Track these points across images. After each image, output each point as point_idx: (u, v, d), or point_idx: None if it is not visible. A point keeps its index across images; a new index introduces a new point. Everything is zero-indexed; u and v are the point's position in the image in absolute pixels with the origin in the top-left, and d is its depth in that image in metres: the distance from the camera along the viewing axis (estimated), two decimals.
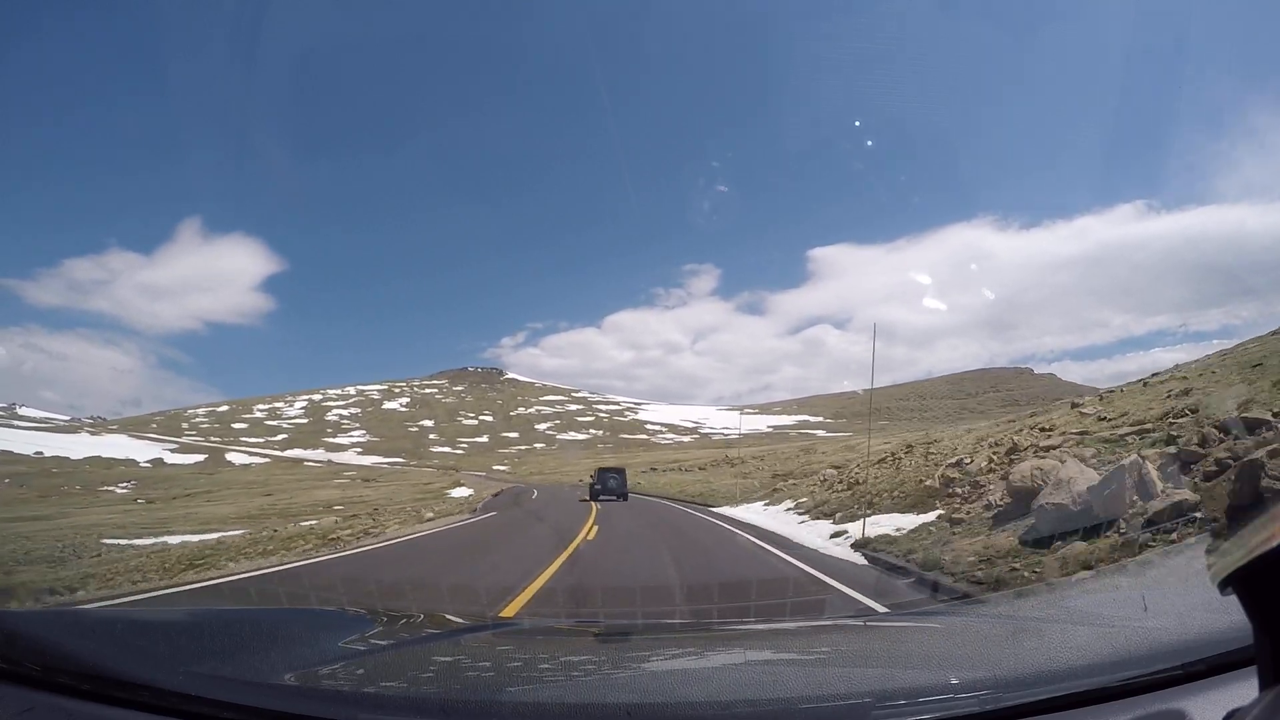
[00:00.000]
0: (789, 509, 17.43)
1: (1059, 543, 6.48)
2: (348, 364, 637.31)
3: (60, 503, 42.53)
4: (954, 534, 8.64)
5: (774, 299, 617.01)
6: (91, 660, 1.20)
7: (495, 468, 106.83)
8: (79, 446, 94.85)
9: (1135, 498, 6.47)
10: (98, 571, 11.47)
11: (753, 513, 18.69)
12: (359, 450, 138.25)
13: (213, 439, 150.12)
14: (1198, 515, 5.85)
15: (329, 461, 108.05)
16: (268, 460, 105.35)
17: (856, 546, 9.62)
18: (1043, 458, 9.72)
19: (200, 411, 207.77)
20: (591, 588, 6.95)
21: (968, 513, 9.39)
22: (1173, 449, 7.73)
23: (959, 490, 11.02)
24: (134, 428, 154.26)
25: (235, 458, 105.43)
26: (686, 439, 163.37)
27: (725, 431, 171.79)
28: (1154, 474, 6.66)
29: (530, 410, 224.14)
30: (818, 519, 14.16)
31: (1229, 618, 1.14)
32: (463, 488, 39.44)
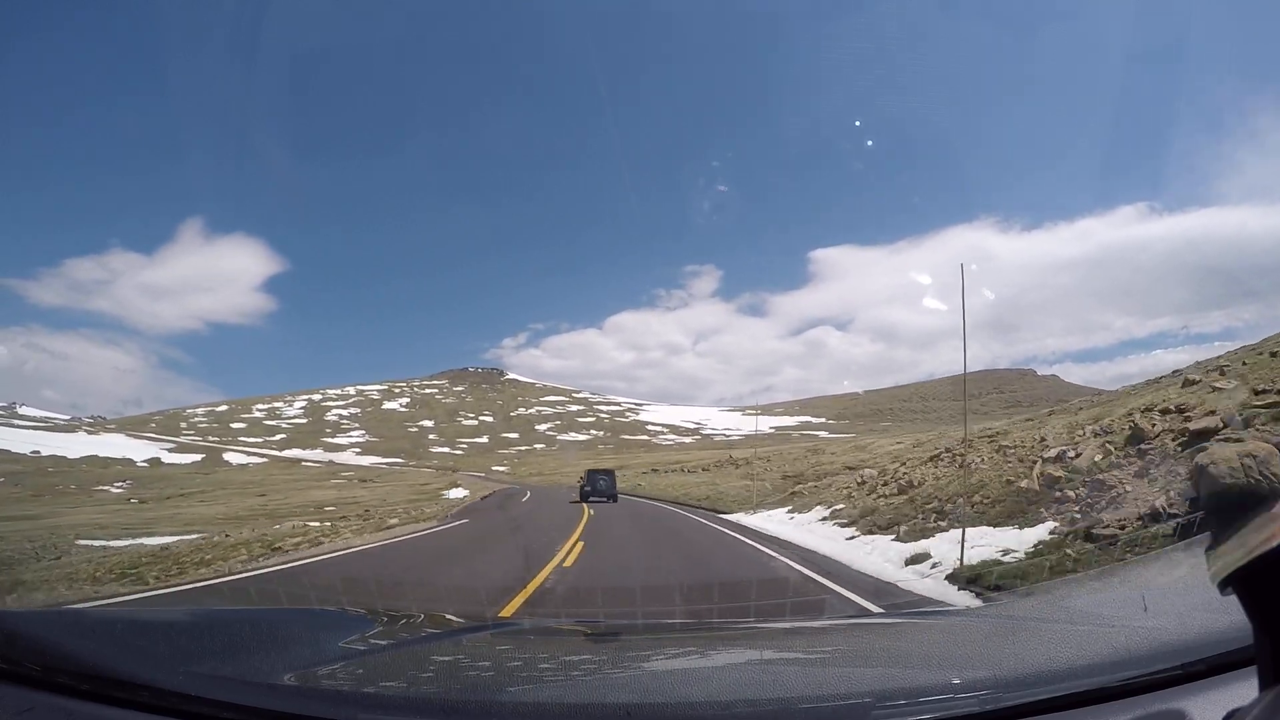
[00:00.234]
0: (823, 519, 14.66)
1: None
2: (349, 364, 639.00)
3: (52, 502, 42.43)
4: (1110, 559, 6.27)
5: (775, 300, 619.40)
6: (91, 660, 1.20)
7: (495, 468, 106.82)
8: (76, 446, 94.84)
9: None
10: (49, 576, 10.17)
11: (776, 522, 15.86)
12: (357, 450, 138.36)
13: (211, 439, 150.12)
14: None
15: (330, 461, 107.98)
16: (265, 460, 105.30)
17: (959, 580, 6.82)
18: (1238, 443, 6.87)
19: (199, 411, 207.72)
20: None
21: (1114, 524, 6.90)
22: None
23: (1071, 492, 8.70)
24: (132, 427, 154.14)
25: (233, 458, 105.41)
26: (688, 440, 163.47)
27: (727, 432, 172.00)
28: None
29: (531, 411, 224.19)
30: (871, 533, 11.25)
31: (1229, 618, 1.14)
32: (459, 489, 39.06)
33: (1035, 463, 10.49)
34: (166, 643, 1.48)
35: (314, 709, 1.15)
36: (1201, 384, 11.20)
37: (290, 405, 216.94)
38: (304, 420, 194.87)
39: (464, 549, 10.94)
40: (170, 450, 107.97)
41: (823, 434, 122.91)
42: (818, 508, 16.26)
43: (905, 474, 15.41)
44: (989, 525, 9.03)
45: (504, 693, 1.38)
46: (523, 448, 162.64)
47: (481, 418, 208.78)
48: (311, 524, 17.62)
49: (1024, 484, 9.75)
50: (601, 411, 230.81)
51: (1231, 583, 0.88)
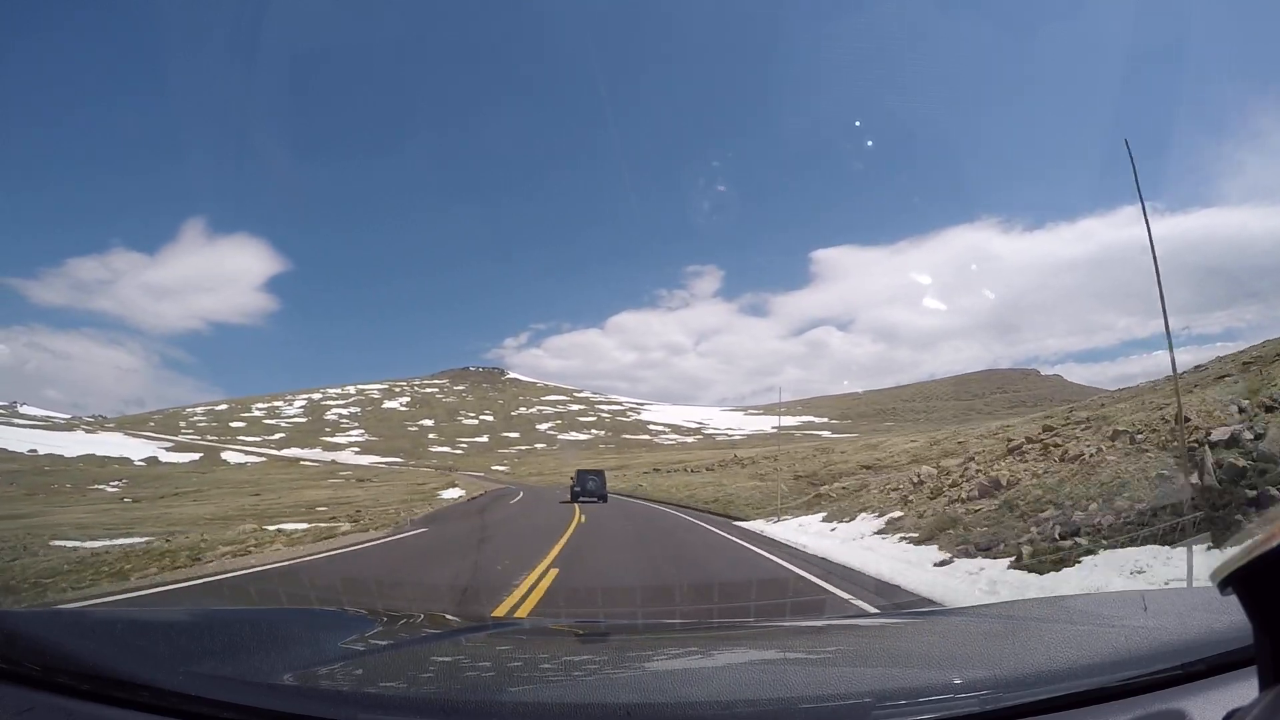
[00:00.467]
0: (878, 531, 11.69)
1: None
2: (350, 364, 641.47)
3: (45, 501, 42.19)
4: None
5: (777, 300, 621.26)
6: (91, 660, 1.20)
7: (494, 468, 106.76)
8: (74, 444, 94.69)
9: None
10: None
11: (812, 534, 12.74)
12: (356, 450, 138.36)
13: (209, 438, 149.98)
14: None
15: (333, 461, 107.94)
16: (263, 460, 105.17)
17: None
18: None
19: (198, 410, 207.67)
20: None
21: None
22: None
23: (1277, 490, 6.41)
24: (131, 426, 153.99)
25: (231, 457, 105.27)
26: (690, 440, 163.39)
27: (729, 432, 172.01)
28: None
29: (532, 410, 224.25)
30: (970, 555, 8.33)
31: (1229, 618, 1.14)
32: (455, 488, 38.92)
33: (1197, 449, 7.69)
34: (166, 643, 1.47)
35: (314, 709, 1.15)
36: None
37: (290, 404, 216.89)
38: (304, 419, 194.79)
39: (391, 576, 8.38)
40: (168, 449, 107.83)
41: (825, 434, 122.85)
42: (863, 515, 13.48)
43: (979, 471, 12.26)
44: (1160, 544, 6.59)
45: (504, 693, 1.37)
46: (523, 447, 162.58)
47: (482, 417, 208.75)
48: (269, 528, 16.34)
49: (1192, 479, 7.12)
50: (603, 411, 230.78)
51: (1231, 583, 0.88)
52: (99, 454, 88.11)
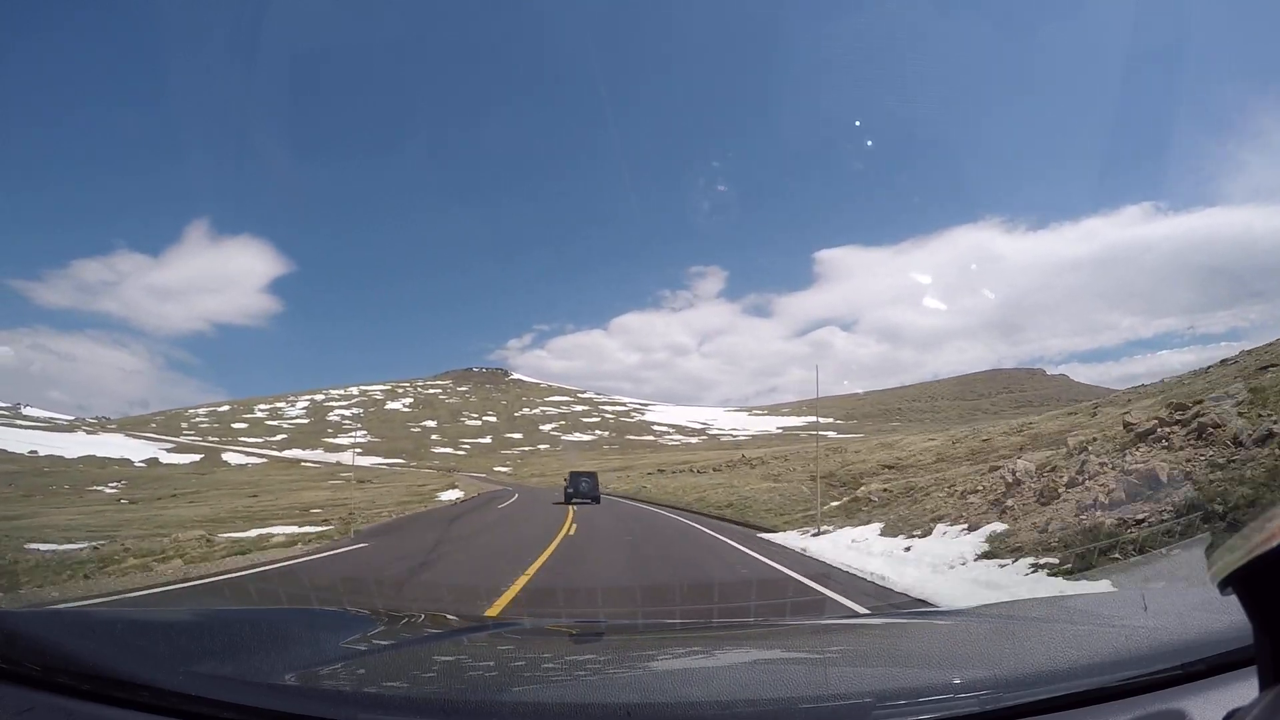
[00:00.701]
0: (985, 555, 8.25)
1: None
2: (354, 365, 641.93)
3: (40, 502, 42.05)
4: None
5: (780, 301, 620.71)
6: (91, 660, 1.20)
7: (497, 469, 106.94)
8: (75, 446, 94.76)
9: None
10: None
11: (878, 557, 9.45)
12: (359, 451, 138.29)
13: (211, 439, 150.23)
14: None
15: (337, 462, 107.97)
16: (264, 461, 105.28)
17: None
18: None
19: (200, 411, 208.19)
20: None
21: None
22: None
23: None
24: (132, 427, 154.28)
25: (232, 458, 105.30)
26: (694, 440, 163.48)
27: (734, 433, 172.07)
28: None
29: (535, 411, 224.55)
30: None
31: (1229, 618, 1.14)
32: (455, 489, 39.00)
33: None
34: (166, 643, 1.48)
35: (315, 709, 1.15)
36: None
37: (293, 405, 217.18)
38: (306, 420, 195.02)
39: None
40: (169, 450, 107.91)
41: (831, 434, 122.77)
42: (941, 528, 10.44)
43: (1105, 465, 9.28)
44: None
45: (505, 693, 1.38)
46: (526, 448, 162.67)
47: (485, 418, 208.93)
48: (223, 535, 15.05)
49: None
50: (606, 412, 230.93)
51: (1231, 583, 0.88)
52: (99, 455, 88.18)
